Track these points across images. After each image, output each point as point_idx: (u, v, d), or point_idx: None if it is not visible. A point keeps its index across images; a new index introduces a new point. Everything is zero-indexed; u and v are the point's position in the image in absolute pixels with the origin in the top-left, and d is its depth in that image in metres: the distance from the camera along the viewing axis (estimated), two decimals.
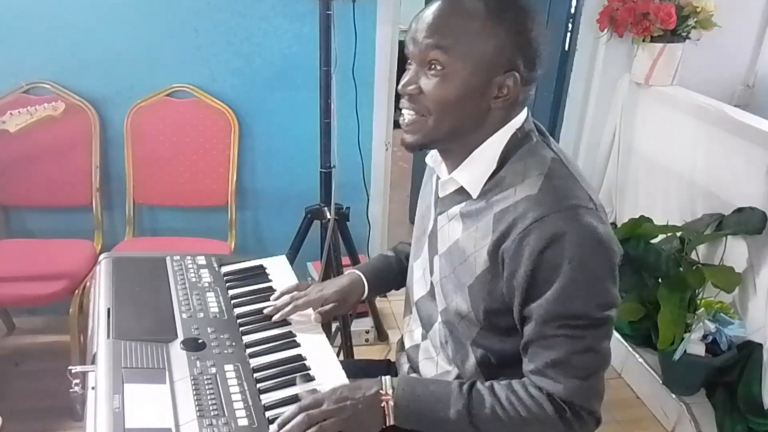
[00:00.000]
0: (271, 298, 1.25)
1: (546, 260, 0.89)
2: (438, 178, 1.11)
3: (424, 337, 1.18)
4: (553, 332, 0.93)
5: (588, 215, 0.90)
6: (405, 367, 1.23)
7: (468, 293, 1.01)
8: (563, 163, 0.98)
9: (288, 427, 0.92)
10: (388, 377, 1.01)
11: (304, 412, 0.94)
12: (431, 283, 1.12)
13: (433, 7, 0.94)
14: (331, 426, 0.94)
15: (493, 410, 0.96)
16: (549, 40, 0.96)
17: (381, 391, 0.99)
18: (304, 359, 1.11)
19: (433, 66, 0.94)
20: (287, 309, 1.20)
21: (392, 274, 1.32)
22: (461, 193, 1.03)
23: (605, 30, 2.39)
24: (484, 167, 0.99)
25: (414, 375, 1.18)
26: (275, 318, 1.20)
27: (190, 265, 1.34)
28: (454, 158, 1.03)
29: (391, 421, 0.98)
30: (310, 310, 1.22)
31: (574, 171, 0.98)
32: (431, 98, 0.95)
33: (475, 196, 1.00)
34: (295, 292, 1.24)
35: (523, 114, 1.01)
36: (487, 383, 1.00)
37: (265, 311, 1.21)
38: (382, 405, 0.98)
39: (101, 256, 1.34)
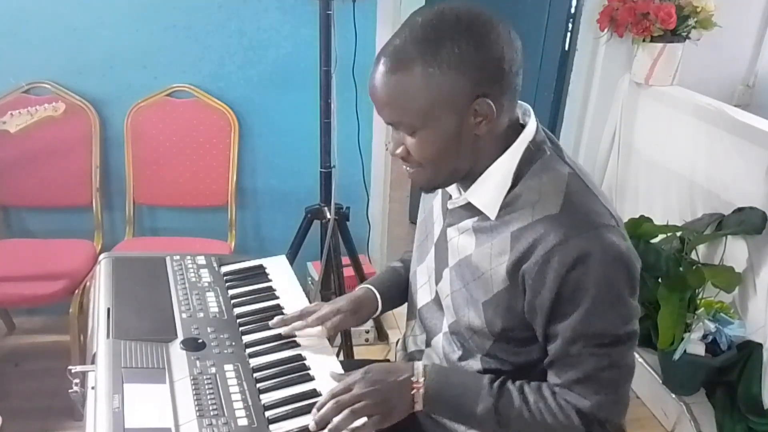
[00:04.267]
0: (277, 319, 1.18)
1: (571, 282, 0.89)
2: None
3: (427, 344, 1.17)
4: (579, 351, 0.93)
5: (611, 233, 0.90)
6: None
7: (482, 309, 0.99)
8: (580, 178, 0.96)
9: (321, 413, 0.95)
10: (420, 363, 1.02)
11: (334, 398, 0.96)
12: (437, 292, 1.11)
13: (377, 76, 0.91)
14: (361, 409, 0.96)
15: (520, 412, 0.97)
16: (509, 34, 0.90)
17: (413, 378, 1.00)
18: (304, 359, 1.11)
19: (404, 129, 0.94)
20: (296, 324, 1.16)
21: (403, 287, 1.28)
22: (472, 207, 1.00)
23: (605, 30, 2.38)
24: (498, 186, 0.96)
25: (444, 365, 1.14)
26: (284, 331, 1.15)
27: (190, 265, 1.34)
28: (466, 179, 1.00)
29: (419, 407, 1.00)
30: (317, 329, 1.18)
31: (591, 185, 0.96)
32: (417, 156, 0.95)
33: (493, 218, 0.97)
34: (306, 308, 1.20)
35: (533, 124, 0.98)
36: (517, 383, 1.00)
37: (271, 324, 1.17)
38: (413, 392, 0.99)
39: (101, 256, 1.34)
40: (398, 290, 1.29)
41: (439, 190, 1.13)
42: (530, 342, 1.00)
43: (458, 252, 1.04)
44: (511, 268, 0.94)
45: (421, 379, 1.00)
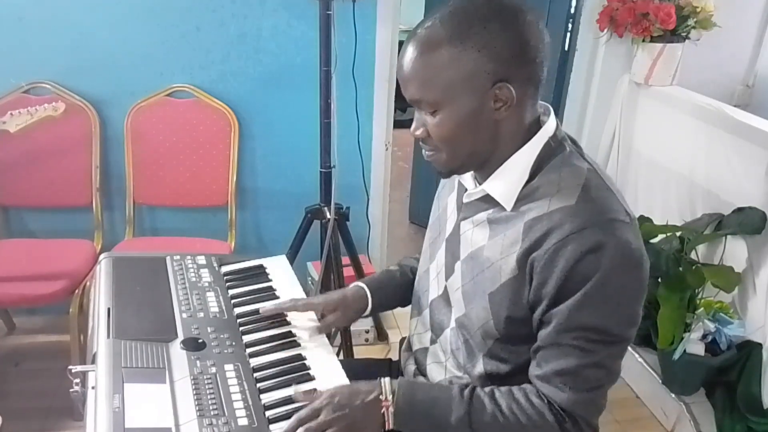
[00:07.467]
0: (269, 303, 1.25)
1: (578, 272, 0.89)
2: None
3: (433, 341, 1.16)
4: (568, 341, 0.92)
5: (625, 230, 0.90)
6: (411, 368, 1.21)
7: (489, 301, 0.99)
8: (599, 175, 0.97)
9: None
10: (387, 380, 1.00)
11: (302, 426, 0.94)
12: (445, 287, 1.11)
13: (406, 56, 0.93)
14: None
15: (493, 417, 0.97)
16: (538, 25, 0.92)
17: (381, 397, 0.98)
18: (304, 359, 1.11)
19: (426, 108, 0.95)
20: (286, 304, 1.22)
21: (397, 290, 1.29)
22: (488, 200, 1.01)
23: (605, 30, 2.39)
24: (516, 178, 0.97)
25: (415, 379, 1.16)
26: (265, 307, 1.21)
27: (190, 265, 1.34)
28: (484, 170, 1.01)
29: (390, 426, 0.98)
30: (311, 322, 1.21)
31: (609, 183, 0.97)
32: (436, 137, 0.96)
33: (509, 208, 0.98)
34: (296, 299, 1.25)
35: (552, 121, 0.99)
36: (488, 389, 1.00)
37: (261, 310, 1.21)
38: (382, 411, 0.98)
39: (101, 256, 1.34)
40: (391, 292, 1.29)
41: (455, 186, 1.13)
42: (532, 339, 0.99)
43: (470, 244, 1.04)
44: (521, 256, 0.94)
45: (390, 397, 0.98)
